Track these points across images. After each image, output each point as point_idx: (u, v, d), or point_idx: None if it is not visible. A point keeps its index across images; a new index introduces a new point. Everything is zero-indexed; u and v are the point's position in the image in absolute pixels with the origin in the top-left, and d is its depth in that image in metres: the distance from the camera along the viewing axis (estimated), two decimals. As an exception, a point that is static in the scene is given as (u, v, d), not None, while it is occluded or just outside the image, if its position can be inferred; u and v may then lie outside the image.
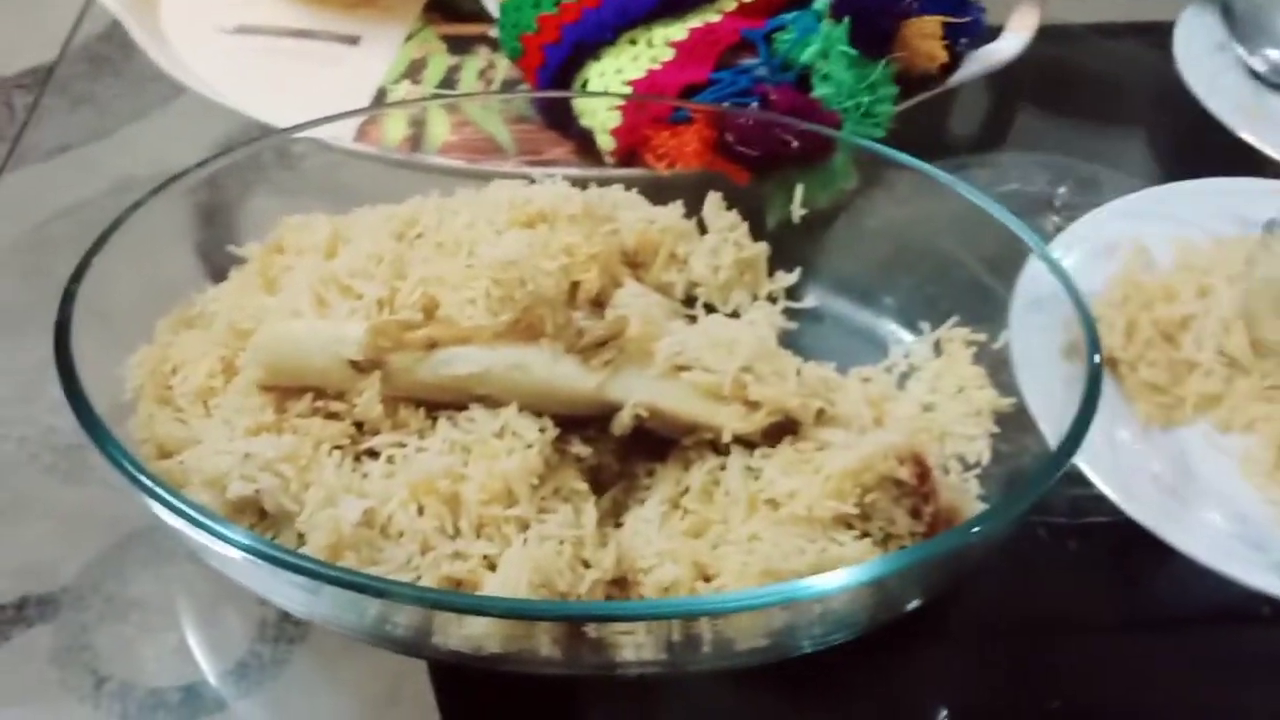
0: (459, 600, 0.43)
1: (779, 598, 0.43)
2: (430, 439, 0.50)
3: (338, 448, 0.50)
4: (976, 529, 0.45)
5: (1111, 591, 0.59)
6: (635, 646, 0.46)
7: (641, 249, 0.62)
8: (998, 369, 0.59)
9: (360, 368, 0.50)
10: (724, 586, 0.48)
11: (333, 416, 0.51)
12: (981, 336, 0.60)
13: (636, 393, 0.50)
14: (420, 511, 0.48)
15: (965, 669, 0.56)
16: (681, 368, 0.51)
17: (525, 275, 0.55)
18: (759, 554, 0.48)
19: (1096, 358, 0.50)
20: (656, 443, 0.53)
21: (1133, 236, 0.65)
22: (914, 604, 0.48)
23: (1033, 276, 0.57)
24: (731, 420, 0.50)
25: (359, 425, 0.51)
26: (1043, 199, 0.82)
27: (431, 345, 0.50)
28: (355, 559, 0.47)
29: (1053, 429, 0.53)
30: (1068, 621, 0.57)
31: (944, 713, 0.55)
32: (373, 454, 0.50)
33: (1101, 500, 0.54)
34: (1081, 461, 0.53)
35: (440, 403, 0.51)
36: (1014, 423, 0.57)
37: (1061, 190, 0.82)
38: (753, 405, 0.50)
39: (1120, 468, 0.55)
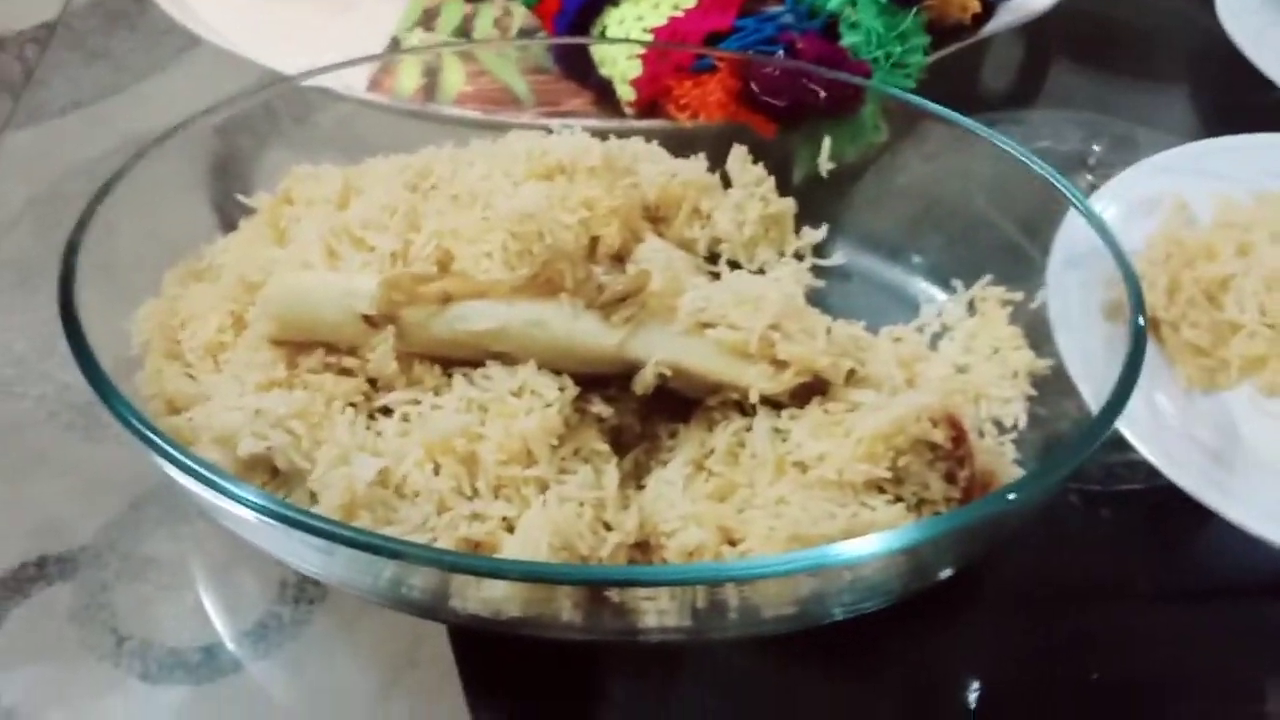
0: (476, 563, 0.42)
1: (807, 564, 0.41)
2: (446, 397, 0.48)
3: (351, 405, 0.48)
4: (1013, 495, 0.43)
5: (1148, 559, 0.57)
6: (658, 613, 0.44)
7: (663, 203, 0.60)
8: (1035, 329, 0.56)
9: (373, 322, 0.48)
10: (750, 551, 0.46)
11: (345, 373, 0.49)
12: (1017, 295, 0.58)
13: (659, 350, 0.48)
14: (436, 471, 0.46)
15: (998, 638, 0.54)
16: (706, 325, 0.49)
17: (543, 228, 0.53)
18: (787, 518, 0.46)
19: (1141, 319, 0.48)
20: (680, 403, 0.51)
21: (1172, 192, 0.62)
22: (948, 572, 0.47)
23: (1071, 233, 0.55)
24: (758, 380, 0.48)
25: (372, 382, 0.49)
26: (1076, 157, 0.79)
27: (446, 299, 0.48)
28: (370, 519, 0.45)
29: (1093, 392, 0.51)
30: (1103, 590, 0.56)
31: (976, 684, 0.54)
32: (386, 411, 0.49)
33: (1137, 466, 0.52)
34: (1121, 426, 0.51)
35: (456, 359, 0.49)
36: (1052, 385, 0.55)
37: (1096, 148, 0.80)
38: (780, 365, 0.48)
39: (1162, 432, 0.53)
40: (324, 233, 0.53)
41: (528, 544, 0.44)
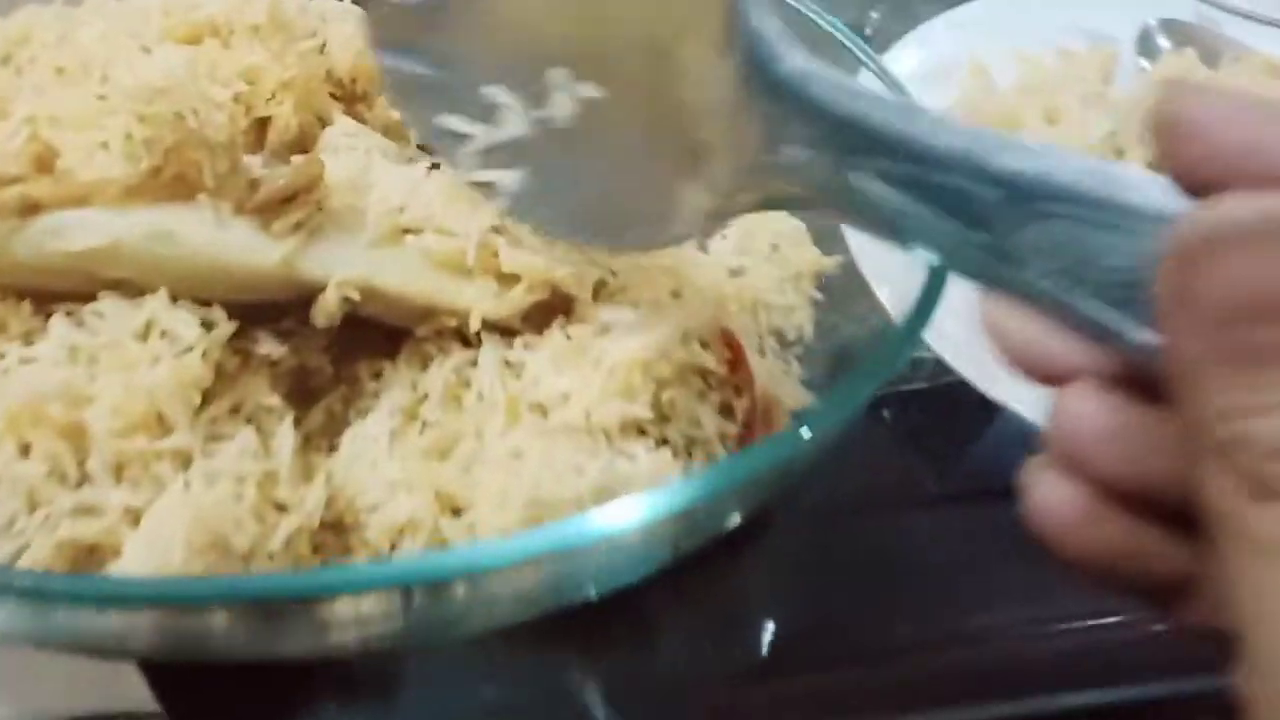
0: (58, 587, 0.28)
1: (552, 544, 0.30)
2: (38, 345, 0.34)
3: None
4: (807, 433, 0.34)
5: (935, 461, 0.52)
6: (357, 624, 0.33)
7: (361, 76, 0.46)
8: (819, 222, 0.47)
9: (-81, 246, 0.34)
10: (478, 524, 0.35)
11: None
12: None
13: (341, 267, 0.36)
14: (24, 451, 0.33)
15: (792, 564, 0.48)
16: (408, 230, 0.37)
17: (184, 108, 0.39)
18: (524, 477, 0.35)
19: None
20: (384, 336, 0.39)
21: (968, 54, 0.54)
22: (730, 525, 0.37)
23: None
24: (480, 299, 0.36)
25: (-72, 329, 0.35)
26: (852, 27, 0.70)
27: (31, 208, 0.34)
28: (-78, 528, 0.31)
29: (891, 293, 0.42)
30: (892, 499, 0.51)
31: (771, 623, 0.46)
32: (-47, 370, 0.35)
33: (921, 363, 0.49)
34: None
35: (52, 293, 0.35)
36: (841, 287, 0.46)
37: (874, 15, 0.71)
38: (509, 279, 0.37)
39: (949, 326, 0.45)
40: None
41: (158, 542, 0.32)
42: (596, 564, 0.34)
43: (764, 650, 0.47)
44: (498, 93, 0.33)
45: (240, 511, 0.33)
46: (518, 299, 0.36)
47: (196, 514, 0.32)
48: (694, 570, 0.45)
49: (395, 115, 0.47)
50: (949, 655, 0.47)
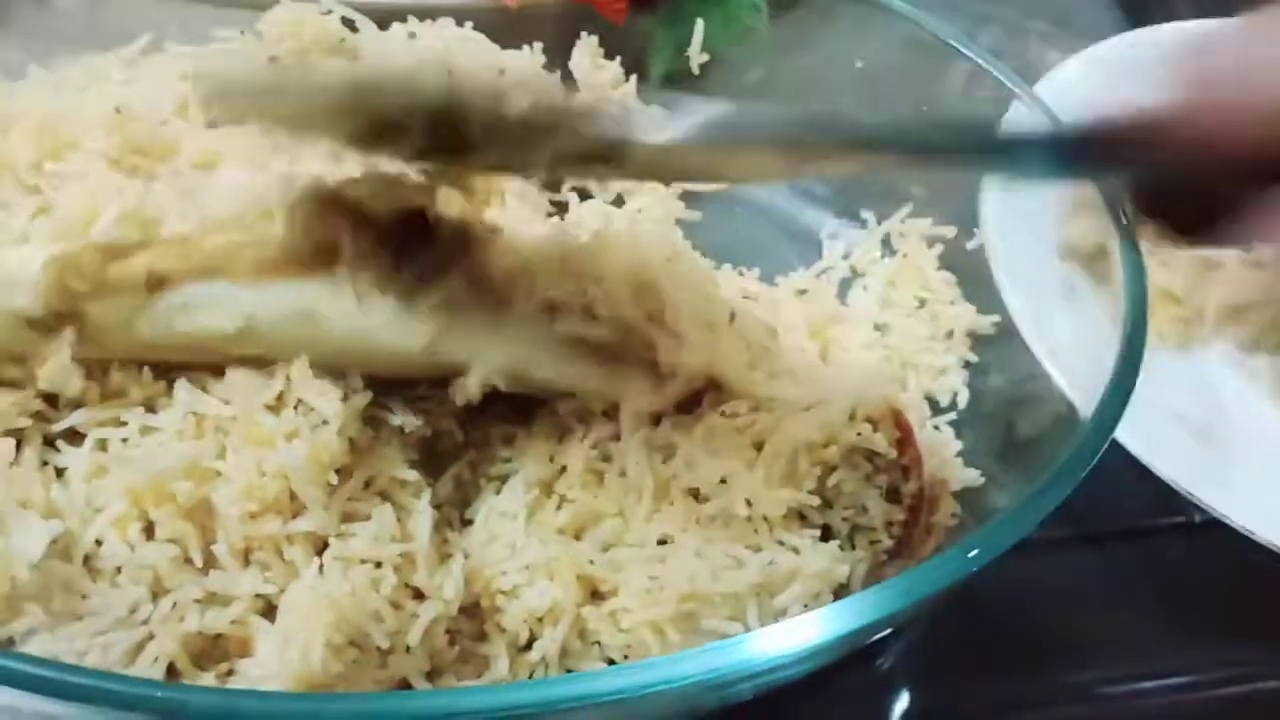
0: (197, 699, 0.26)
1: (718, 669, 0.27)
2: (164, 414, 0.32)
3: (15, 432, 0.32)
4: (991, 547, 0.30)
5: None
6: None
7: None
8: (972, 274, 0.44)
9: (43, 324, 0.31)
10: (624, 615, 0.32)
11: (10, 384, 0.32)
12: (948, 230, 0.45)
13: (487, 353, 0.33)
14: (149, 532, 0.30)
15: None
16: (553, 307, 0.33)
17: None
18: (677, 567, 0.32)
19: (1140, 279, 0.35)
20: (516, 399, 0.36)
21: (1113, 89, 0.50)
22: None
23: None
24: (634, 395, 0.33)
25: (50, 398, 0.32)
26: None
27: (157, 284, 0.31)
28: (41, 615, 0.29)
29: (1056, 358, 0.39)
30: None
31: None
32: (74, 438, 0.32)
33: None
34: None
35: (177, 364, 0.32)
36: (993, 345, 0.42)
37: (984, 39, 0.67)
38: (664, 372, 0.33)
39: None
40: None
41: (293, 641, 0.29)
42: (764, 679, 0.31)
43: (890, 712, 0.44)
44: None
45: (378, 602, 0.31)
46: (672, 395, 0.33)
47: (333, 604, 0.30)
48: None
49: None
50: (1059, 713, 0.44)
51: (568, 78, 0.47)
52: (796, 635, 0.27)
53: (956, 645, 0.44)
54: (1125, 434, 0.41)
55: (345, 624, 0.30)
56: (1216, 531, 0.44)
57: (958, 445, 0.40)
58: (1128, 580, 0.46)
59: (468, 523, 0.35)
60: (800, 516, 0.34)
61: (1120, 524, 0.48)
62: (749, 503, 0.32)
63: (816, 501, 0.33)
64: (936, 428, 0.41)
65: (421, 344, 0.32)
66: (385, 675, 0.31)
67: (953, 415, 0.41)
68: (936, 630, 0.45)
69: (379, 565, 0.32)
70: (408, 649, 0.31)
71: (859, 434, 0.34)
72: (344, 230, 0.31)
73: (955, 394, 0.41)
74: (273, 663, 0.29)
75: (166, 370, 0.32)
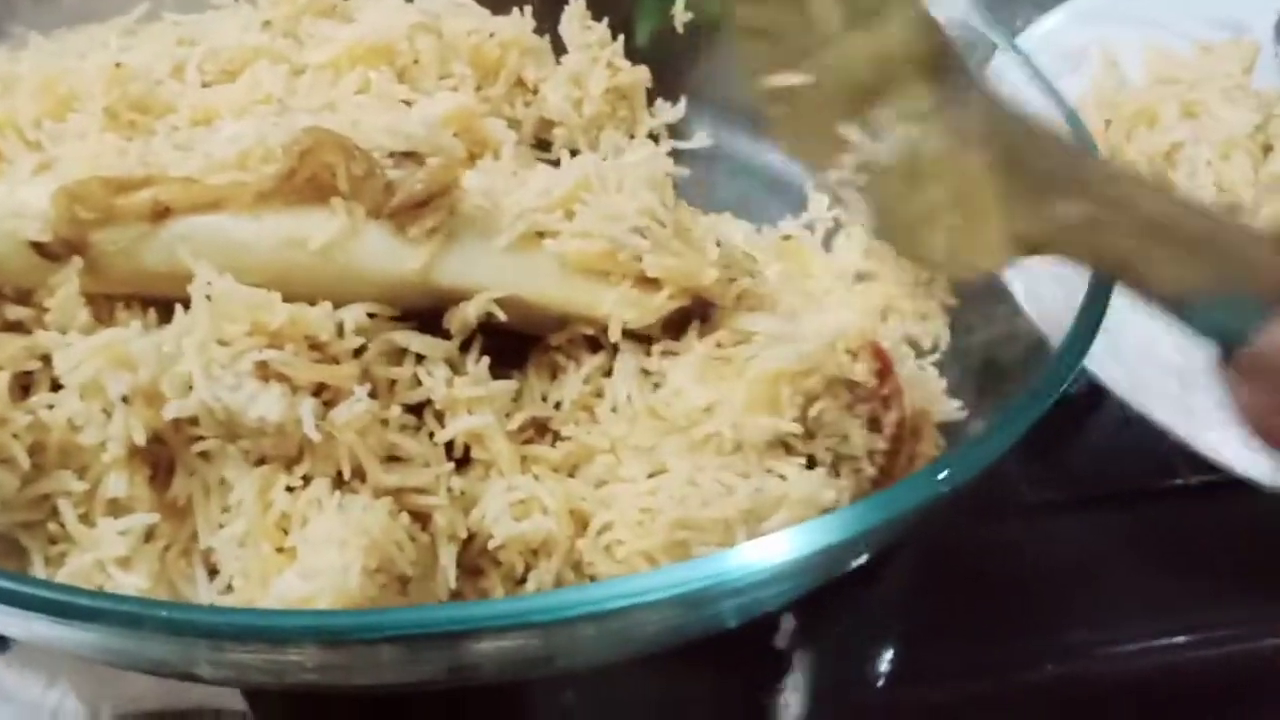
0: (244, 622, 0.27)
1: (706, 581, 0.28)
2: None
3: (23, 376, 0.33)
4: (967, 464, 0.31)
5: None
6: (496, 654, 0.31)
7: (477, 71, 0.45)
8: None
9: (49, 253, 0.32)
10: (617, 544, 0.34)
11: (11, 327, 0.33)
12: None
13: (482, 274, 0.34)
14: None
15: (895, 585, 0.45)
16: (544, 234, 0.35)
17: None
18: (668, 497, 0.33)
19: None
20: (511, 340, 0.37)
21: (1098, 44, 0.52)
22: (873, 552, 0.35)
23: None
24: (620, 307, 0.35)
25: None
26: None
27: (161, 214, 0.33)
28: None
29: (1033, 300, 0.40)
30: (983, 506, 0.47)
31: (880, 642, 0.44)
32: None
33: None
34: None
35: (182, 299, 0.34)
36: (975, 290, 0.43)
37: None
38: (650, 284, 0.35)
39: (1115, 348, 0.42)
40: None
41: (328, 567, 0.30)
42: (748, 599, 0.32)
43: (879, 668, 0.45)
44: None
45: (399, 532, 0.32)
46: (660, 305, 0.35)
47: (366, 533, 0.31)
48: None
49: (510, 113, 0.46)
50: (1051, 671, 0.45)
51: (557, 41, 0.48)
52: (772, 550, 0.29)
53: (950, 607, 0.46)
54: (1116, 381, 0.42)
55: (376, 549, 0.31)
56: (1211, 494, 0.45)
57: (942, 382, 0.41)
58: (1123, 542, 0.47)
59: (462, 463, 0.36)
60: (785, 447, 0.35)
61: (1115, 487, 0.49)
62: (736, 429, 0.34)
63: (799, 430, 0.34)
64: (921, 368, 0.42)
65: (416, 268, 0.33)
66: (406, 604, 0.33)
67: (935, 356, 0.43)
68: (929, 591, 0.47)
69: (400, 494, 0.33)
70: (423, 576, 0.33)
71: (839, 364, 0.35)
72: (339, 159, 0.33)
73: (937, 336, 0.43)
74: (306, 588, 0.30)
75: (169, 311, 0.33)
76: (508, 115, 0.44)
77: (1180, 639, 0.45)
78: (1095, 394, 0.43)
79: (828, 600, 0.45)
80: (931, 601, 0.47)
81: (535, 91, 0.46)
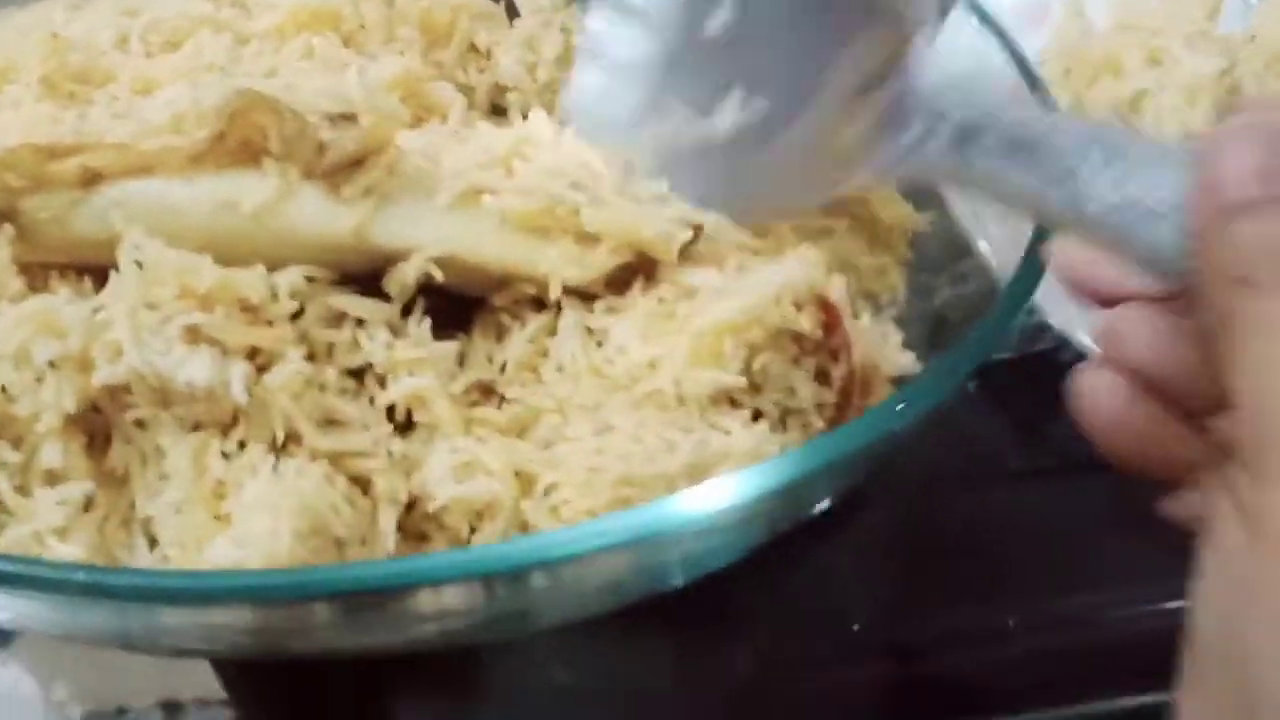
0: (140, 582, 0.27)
1: (648, 528, 0.28)
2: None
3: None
4: (908, 404, 0.31)
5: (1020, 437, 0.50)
6: (439, 615, 0.31)
7: (426, 36, 0.44)
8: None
9: (-22, 220, 0.32)
10: (565, 504, 0.33)
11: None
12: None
13: (419, 233, 0.34)
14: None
15: (872, 550, 0.46)
16: (484, 191, 0.35)
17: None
18: (612, 455, 0.33)
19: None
20: (454, 303, 0.37)
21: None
22: (825, 505, 0.35)
23: (952, 42, 0.43)
24: (560, 264, 0.34)
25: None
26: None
27: (91, 180, 0.33)
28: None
29: (994, 248, 0.39)
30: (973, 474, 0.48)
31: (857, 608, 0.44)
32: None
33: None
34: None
35: (116, 265, 0.33)
36: (938, 245, 0.43)
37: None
38: (590, 240, 0.34)
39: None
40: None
41: (258, 532, 0.30)
42: (689, 549, 0.32)
43: (851, 633, 0.44)
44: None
45: (334, 495, 0.32)
46: (600, 261, 0.34)
47: (298, 495, 0.31)
48: (778, 551, 0.43)
49: (461, 78, 0.45)
50: (1045, 638, 0.45)
51: (510, 5, 0.48)
52: (710, 496, 0.28)
53: (939, 576, 0.45)
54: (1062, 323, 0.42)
55: (308, 512, 0.31)
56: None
57: (897, 336, 0.40)
58: (1112, 507, 0.47)
59: (405, 426, 0.36)
60: (731, 401, 0.35)
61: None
62: (678, 383, 0.33)
63: (743, 383, 0.34)
64: (877, 322, 0.41)
65: (350, 228, 0.33)
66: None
67: (893, 311, 0.42)
68: (918, 562, 0.46)
69: (338, 459, 0.33)
70: (363, 542, 0.33)
71: (784, 317, 0.34)
72: (270, 121, 0.32)
73: (895, 291, 0.42)
74: (237, 553, 0.30)
75: (105, 279, 0.33)
76: (460, 81, 0.44)
77: (1179, 603, 0.45)
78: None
79: (801, 566, 0.45)
80: (911, 567, 0.47)
81: (488, 56, 0.45)
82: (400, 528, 0.34)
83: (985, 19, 0.41)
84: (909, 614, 0.45)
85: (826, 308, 0.36)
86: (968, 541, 0.47)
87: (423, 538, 0.35)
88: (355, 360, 0.35)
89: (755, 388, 0.35)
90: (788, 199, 0.37)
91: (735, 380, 0.33)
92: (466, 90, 0.45)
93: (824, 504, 0.35)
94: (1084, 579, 0.46)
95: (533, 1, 0.47)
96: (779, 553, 0.44)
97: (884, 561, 0.48)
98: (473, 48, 0.46)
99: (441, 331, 0.37)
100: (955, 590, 0.45)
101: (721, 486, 0.29)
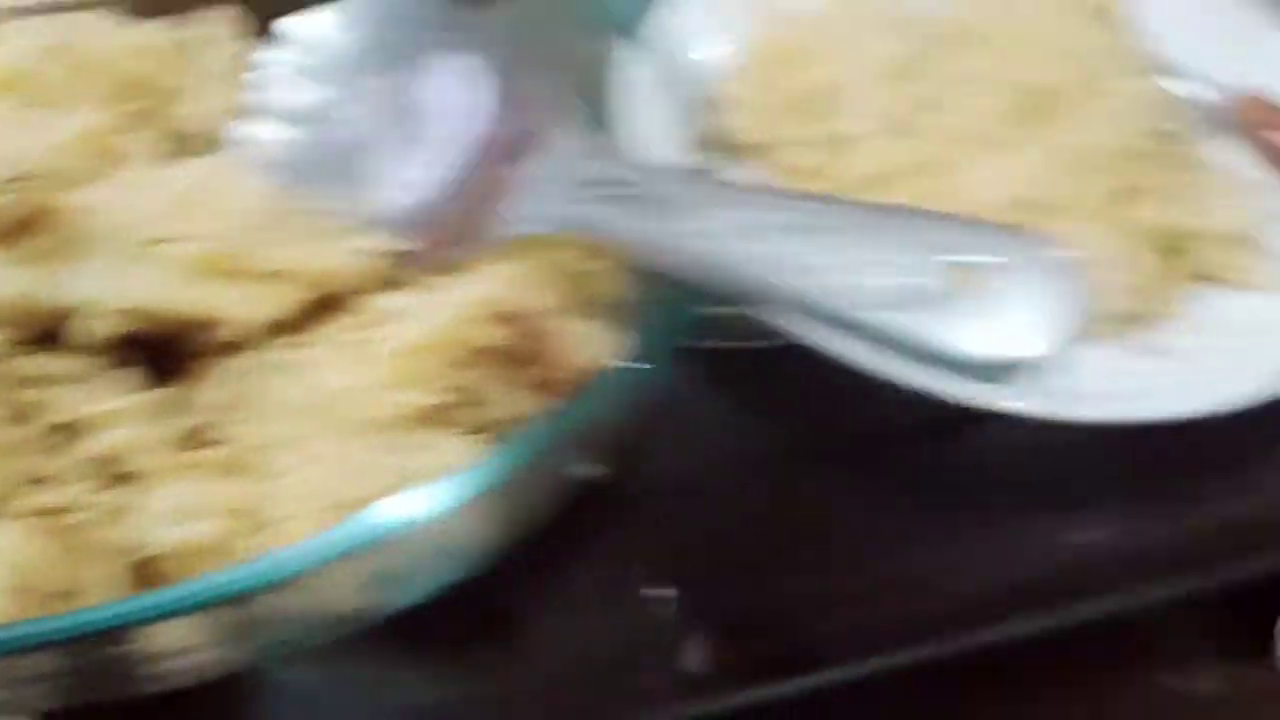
0: None
1: (335, 548, 0.29)
2: None
3: None
4: (587, 406, 0.33)
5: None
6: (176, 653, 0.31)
7: (113, 87, 0.44)
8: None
9: None
10: (282, 539, 0.34)
11: None
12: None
13: (101, 287, 0.34)
14: None
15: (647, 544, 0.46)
16: (161, 240, 0.35)
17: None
18: (318, 483, 0.34)
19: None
20: (165, 349, 0.37)
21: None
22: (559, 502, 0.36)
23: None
24: (246, 305, 0.35)
25: None
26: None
27: None
28: None
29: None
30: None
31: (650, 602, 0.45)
32: None
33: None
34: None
35: None
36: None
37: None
38: (272, 278, 0.35)
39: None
40: None
41: None
42: (405, 560, 0.33)
43: (653, 628, 0.45)
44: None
45: (37, 553, 0.31)
46: (285, 298, 0.35)
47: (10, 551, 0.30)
48: (555, 557, 0.44)
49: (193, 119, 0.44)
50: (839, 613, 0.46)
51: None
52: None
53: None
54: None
55: (16, 570, 0.31)
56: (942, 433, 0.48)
57: (619, 341, 0.42)
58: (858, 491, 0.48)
59: (124, 477, 0.36)
60: (440, 419, 0.35)
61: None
62: (369, 408, 0.34)
63: (440, 401, 0.35)
64: (594, 329, 0.43)
65: (25, 290, 0.32)
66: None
67: (614, 316, 0.43)
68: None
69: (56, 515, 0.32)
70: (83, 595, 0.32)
71: (483, 333, 0.35)
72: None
73: (619, 297, 0.43)
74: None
75: None
76: (150, 129, 0.43)
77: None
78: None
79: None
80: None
81: (177, 101, 0.45)
82: (143, 579, 0.34)
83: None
84: (703, 601, 0.46)
85: (529, 321, 0.37)
86: (750, 525, 0.48)
87: (148, 583, 0.35)
88: (60, 417, 0.34)
89: (461, 404, 0.35)
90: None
91: (429, 399, 0.34)
92: (160, 137, 0.44)
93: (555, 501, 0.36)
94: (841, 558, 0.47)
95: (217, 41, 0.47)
96: (564, 556, 0.45)
97: (658, 549, 0.48)
98: (161, 91, 0.45)
99: (154, 379, 0.37)
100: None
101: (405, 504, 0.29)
